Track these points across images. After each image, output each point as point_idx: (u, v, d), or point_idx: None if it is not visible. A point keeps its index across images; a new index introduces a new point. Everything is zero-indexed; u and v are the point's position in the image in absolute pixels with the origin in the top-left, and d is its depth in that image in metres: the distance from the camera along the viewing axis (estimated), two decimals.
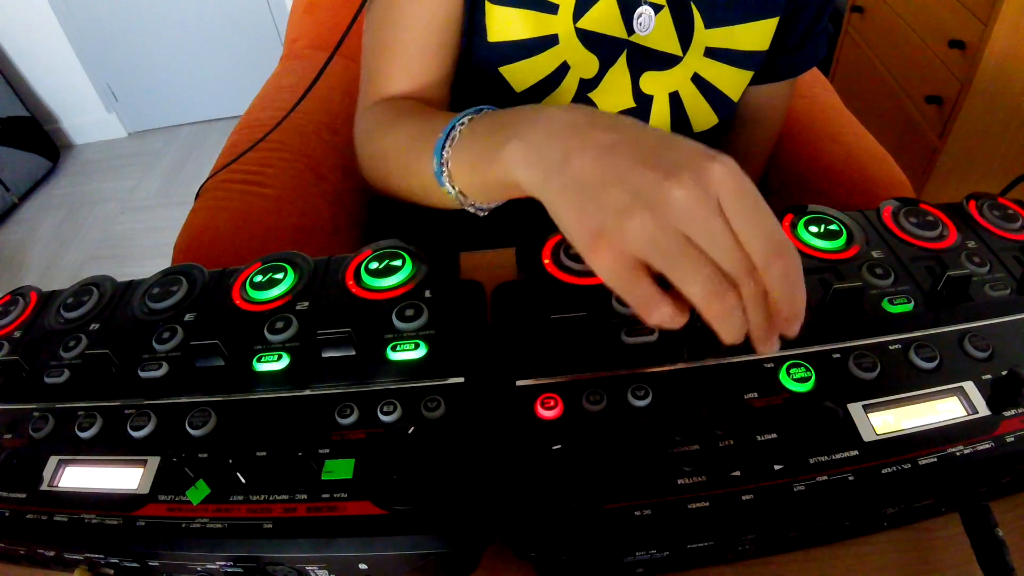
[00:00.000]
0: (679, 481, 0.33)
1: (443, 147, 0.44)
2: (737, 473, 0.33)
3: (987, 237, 0.44)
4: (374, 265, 0.44)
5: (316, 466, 0.34)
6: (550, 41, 0.56)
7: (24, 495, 0.35)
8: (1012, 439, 0.34)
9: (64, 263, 2.01)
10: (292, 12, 1.07)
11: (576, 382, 0.37)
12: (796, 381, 0.36)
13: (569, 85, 0.59)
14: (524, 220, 0.47)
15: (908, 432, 0.34)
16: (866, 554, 0.37)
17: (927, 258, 0.42)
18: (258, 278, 0.44)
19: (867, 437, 0.34)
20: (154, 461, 0.35)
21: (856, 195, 0.70)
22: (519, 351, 0.39)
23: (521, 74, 0.58)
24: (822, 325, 0.38)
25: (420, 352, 0.38)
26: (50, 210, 2.23)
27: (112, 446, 0.37)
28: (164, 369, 0.39)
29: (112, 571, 0.36)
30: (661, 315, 0.30)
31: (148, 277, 0.47)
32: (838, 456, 0.33)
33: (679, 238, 0.29)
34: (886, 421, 0.34)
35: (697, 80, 0.60)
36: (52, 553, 0.36)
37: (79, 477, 0.36)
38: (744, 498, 0.32)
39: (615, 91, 0.60)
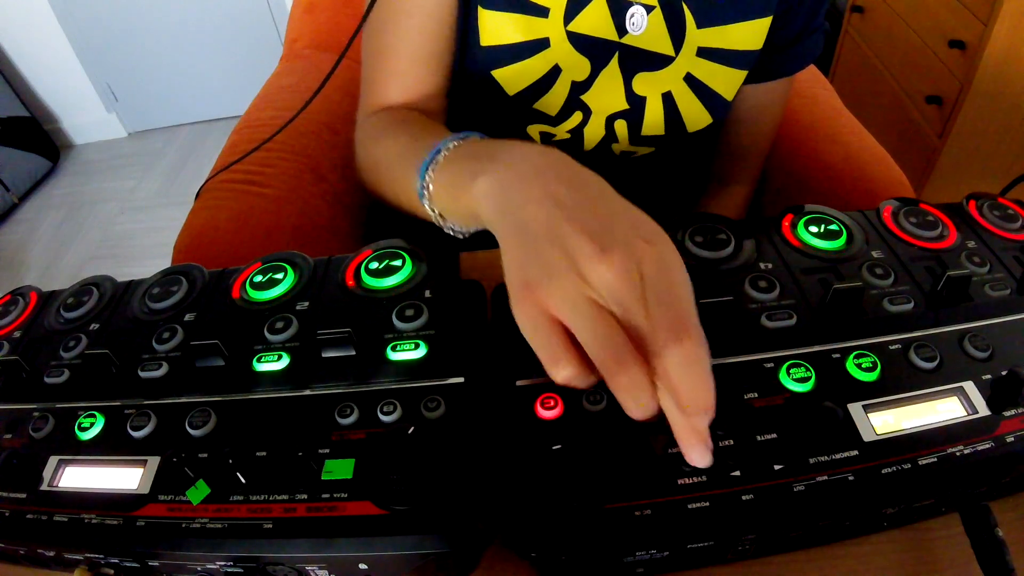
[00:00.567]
0: (679, 481, 0.33)
1: (427, 169, 0.45)
2: (737, 473, 0.33)
3: (987, 237, 0.44)
4: (374, 265, 0.44)
5: (316, 466, 0.34)
6: (541, 44, 0.56)
7: (24, 495, 0.35)
8: (1012, 439, 0.34)
9: (64, 263, 2.01)
10: (292, 12, 1.07)
11: None
12: (796, 381, 0.36)
13: (561, 88, 0.59)
14: None
15: (908, 432, 0.34)
16: (866, 554, 0.37)
17: (927, 258, 0.42)
18: (258, 278, 0.44)
19: (867, 437, 0.34)
20: (154, 461, 0.35)
21: (856, 195, 0.70)
22: (519, 351, 0.39)
23: (513, 77, 0.58)
24: (822, 325, 0.38)
25: (420, 352, 0.38)
26: (50, 210, 2.23)
27: (112, 446, 0.37)
28: (164, 369, 0.39)
29: (112, 571, 0.36)
30: (563, 371, 0.31)
31: (148, 277, 0.47)
32: (838, 456, 0.33)
33: (595, 306, 0.31)
34: (886, 421, 0.34)
35: (690, 80, 0.60)
36: (52, 553, 0.36)
37: (79, 477, 0.36)
38: (744, 498, 0.32)
39: (607, 93, 0.60)
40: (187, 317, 0.43)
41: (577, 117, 0.62)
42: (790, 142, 0.81)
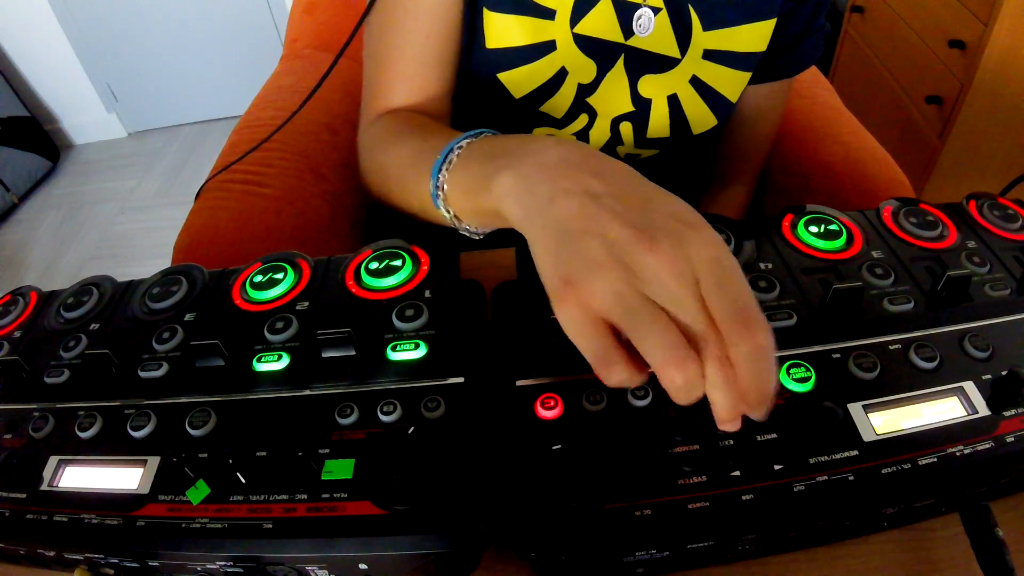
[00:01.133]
0: (679, 481, 0.33)
1: (440, 169, 0.43)
2: (737, 473, 0.33)
3: (987, 237, 0.44)
4: (374, 265, 0.44)
5: (316, 466, 0.34)
6: (548, 47, 0.56)
7: (24, 495, 0.35)
8: (1012, 439, 0.34)
9: (64, 263, 2.01)
10: (292, 12, 1.07)
11: (576, 382, 0.37)
12: (796, 381, 0.36)
13: (567, 91, 0.59)
14: None
15: (908, 432, 0.34)
16: (866, 554, 0.37)
17: (927, 258, 0.42)
18: (258, 278, 0.44)
19: (867, 437, 0.34)
20: (154, 461, 0.35)
21: (856, 195, 0.70)
22: (519, 351, 0.39)
23: (519, 80, 0.58)
24: (822, 325, 0.38)
25: (420, 352, 0.38)
26: (50, 210, 2.23)
27: (112, 446, 0.37)
28: (164, 369, 0.39)
29: (112, 571, 0.36)
30: (616, 375, 0.30)
31: (148, 277, 0.47)
32: (838, 456, 0.33)
33: (646, 301, 0.29)
34: (886, 421, 0.34)
35: (696, 82, 0.60)
36: (52, 553, 0.36)
37: (79, 477, 0.36)
38: (744, 498, 0.32)
39: (613, 95, 0.60)
40: (187, 317, 0.43)
41: (583, 120, 0.62)
42: (790, 142, 0.81)
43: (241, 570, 0.34)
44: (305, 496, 0.33)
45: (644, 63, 0.58)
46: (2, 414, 0.39)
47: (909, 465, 0.33)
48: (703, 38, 0.58)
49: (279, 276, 0.44)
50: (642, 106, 0.61)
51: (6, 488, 0.36)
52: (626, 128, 0.63)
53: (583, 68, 0.58)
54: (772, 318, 0.38)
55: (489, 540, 0.35)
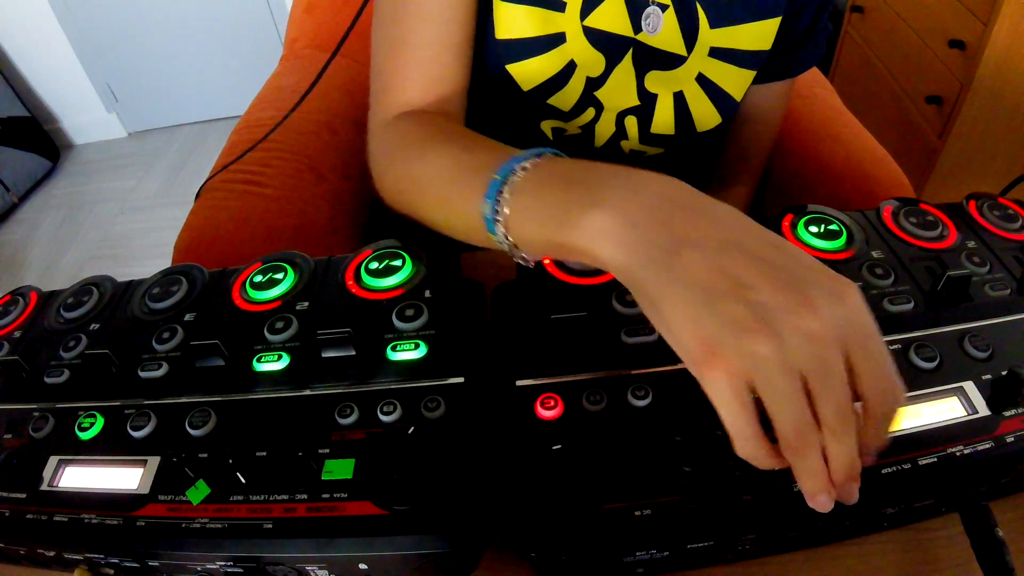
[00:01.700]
0: (679, 481, 0.33)
1: (499, 191, 0.38)
2: (737, 473, 0.33)
3: (987, 237, 0.44)
4: (374, 265, 0.44)
5: (316, 466, 0.34)
6: (557, 39, 0.56)
7: (24, 495, 0.35)
8: (1012, 439, 0.34)
9: (64, 263, 2.01)
10: (292, 12, 1.07)
11: (576, 382, 0.37)
12: None
13: (576, 84, 0.59)
14: None
15: (908, 432, 0.34)
16: (866, 554, 0.37)
17: (927, 258, 0.42)
18: (258, 278, 0.44)
19: None
20: (154, 461, 0.35)
21: (856, 195, 0.70)
22: (519, 351, 0.39)
23: (529, 72, 0.57)
24: None
25: (420, 352, 0.38)
26: (50, 210, 2.23)
27: (112, 446, 0.37)
28: (164, 369, 0.39)
29: (112, 571, 0.36)
30: (756, 454, 0.28)
31: (148, 277, 0.47)
32: None
33: (792, 371, 0.27)
34: None
35: (702, 80, 0.60)
36: (52, 553, 0.36)
37: (79, 477, 0.36)
38: (744, 498, 0.32)
39: (620, 89, 0.60)
40: (187, 317, 0.43)
41: (590, 113, 0.61)
42: (790, 142, 0.81)
43: (241, 570, 0.34)
44: (305, 496, 0.33)
45: (651, 59, 0.58)
46: (2, 414, 0.39)
47: (909, 465, 0.33)
48: (710, 36, 0.58)
49: (279, 276, 0.44)
50: (648, 100, 0.61)
51: (6, 488, 0.36)
52: (631, 122, 0.63)
53: (592, 62, 0.58)
54: None
55: (489, 540, 0.35)
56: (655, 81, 0.60)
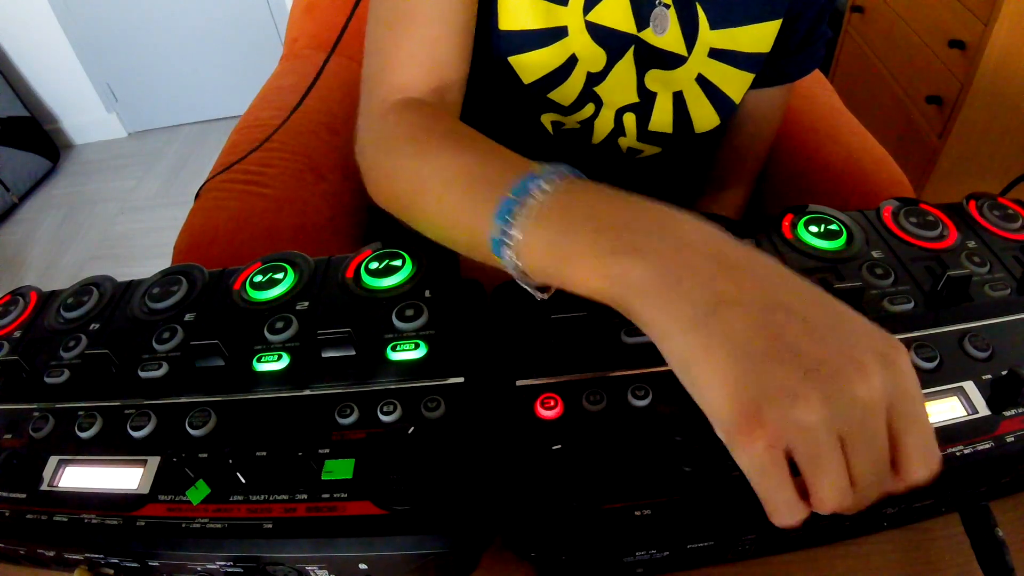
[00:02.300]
0: (679, 481, 0.33)
1: (513, 215, 0.34)
2: (737, 473, 0.33)
3: (987, 237, 0.44)
4: (374, 265, 0.44)
5: (316, 466, 0.34)
6: (560, 33, 0.56)
7: (24, 495, 0.35)
8: (1012, 439, 0.34)
9: (64, 263, 2.01)
10: (292, 12, 1.07)
11: (576, 382, 0.37)
12: None
13: (577, 79, 0.59)
14: None
15: None
16: (866, 554, 0.37)
17: (927, 258, 0.42)
18: (258, 278, 0.44)
19: None
20: (154, 461, 0.35)
21: (856, 195, 0.70)
22: (519, 351, 0.39)
23: (530, 65, 0.57)
24: None
25: (420, 352, 0.38)
26: (50, 210, 2.23)
27: (112, 446, 0.37)
28: (164, 369, 0.39)
29: (112, 571, 0.36)
30: (790, 519, 0.27)
31: (148, 277, 0.47)
32: None
33: (834, 437, 0.25)
34: None
35: (701, 81, 0.60)
36: (52, 553, 0.36)
37: (79, 477, 0.36)
38: (744, 498, 0.32)
39: (620, 85, 0.60)
40: (187, 317, 0.43)
41: (589, 109, 0.61)
42: (790, 142, 0.81)
43: (241, 570, 0.34)
44: (305, 496, 0.33)
45: (652, 58, 0.58)
46: (2, 414, 0.39)
47: None
48: (709, 36, 0.58)
49: (279, 276, 0.44)
50: (647, 98, 0.61)
51: (6, 488, 0.35)
52: (629, 120, 0.63)
53: (593, 57, 0.58)
54: None
55: (489, 540, 0.35)
56: (655, 80, 0.60)
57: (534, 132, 0.64)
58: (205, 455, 0.35)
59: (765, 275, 0.29)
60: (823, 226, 0.44)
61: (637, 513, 0.32)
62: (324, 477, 0.33)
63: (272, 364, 0.39)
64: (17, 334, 0.44)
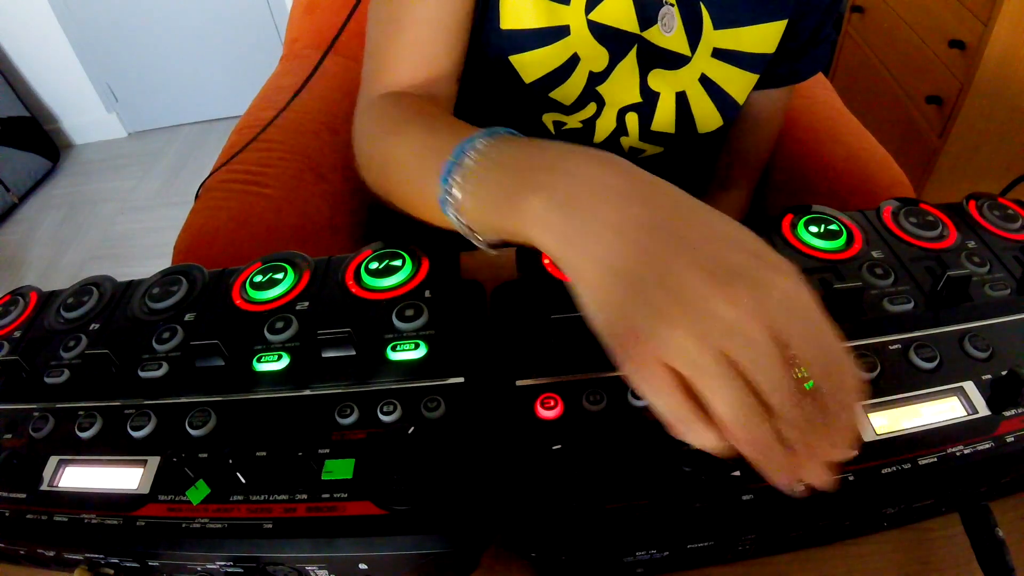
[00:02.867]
0: (679, 481, 0.33)
1: (451, 174, 0.37)
2: (737, 473, 0.33)
3: (987, 237, 0.44)
4: (374, 265, 0.44)
5: (316, 466, 0.34)
6: (562, 32, 0.56)
7: (24, 495, 0.35)
8: (1012, 439, 0.34)
9: (64, 263, 2.01)
10: (292, 12, 1.07)
11: (576, 382, 0.37)
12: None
13: (578, 78, 0.58)
14: None
15: (908, 432, 0.34)
16: (866, 554, 0.37)
17: (927, 258, 0.42)
18: (258, 278, 0.44)
19: (867, 437, 0.34)
20: (154, 461, 0.35)
21: (856, 195, 0.70)
22: (519, 351, 0.39)
23: (532, 65, 0.57)
24: None
25: (420, 352, 0.38)
26: (50, 210, 2.23)
27: (112, 446, 0.37)
28: (164, 369, 0.39)
29: (112, 571, 0.36)
30: (698, 437, 0.27)
31: (148, 277, 0.47)
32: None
33: (719, 357, 0.26)
34: (886, 421, 0.34)
35: (704, 81, 0.60)
36: (52, 553, 0.36)
37: (79, 477, 0.36)
38: (744, 498, 0.32)
39: (623, 85, 0.60)
40: (187, 317, 0.43)
41: (591, 108, 0.61)
42: (790, 142, 0.81)
43: (241, 570, 0.34)
44: (305, 496, 0.33)
45: (655, 57, 0.58)
46: (2, 414, 0.39)
47: (909, 465, 0.33)
48: (713, 36, 0.58)
49: (279, 276, 0.44)
50: (650, 98, 0.61)
51: (6, 488, 0.35)
52: (632, 119, 0.63)
53: (595, 56, 0.57)
54: None
55: (489, 540, 0.35)
56: (658, 79, 0.60)
57: (535, 132, 0.64)
58: (205, 455, 0.35)
59: (649, 196, 0.30)
60: (823, 226, 0.44)
61: (637, 513, 0.32)
62: (324, 477, 0.33)
63: (272, 364, 0.39)
64: (17, 334, 0.44)
